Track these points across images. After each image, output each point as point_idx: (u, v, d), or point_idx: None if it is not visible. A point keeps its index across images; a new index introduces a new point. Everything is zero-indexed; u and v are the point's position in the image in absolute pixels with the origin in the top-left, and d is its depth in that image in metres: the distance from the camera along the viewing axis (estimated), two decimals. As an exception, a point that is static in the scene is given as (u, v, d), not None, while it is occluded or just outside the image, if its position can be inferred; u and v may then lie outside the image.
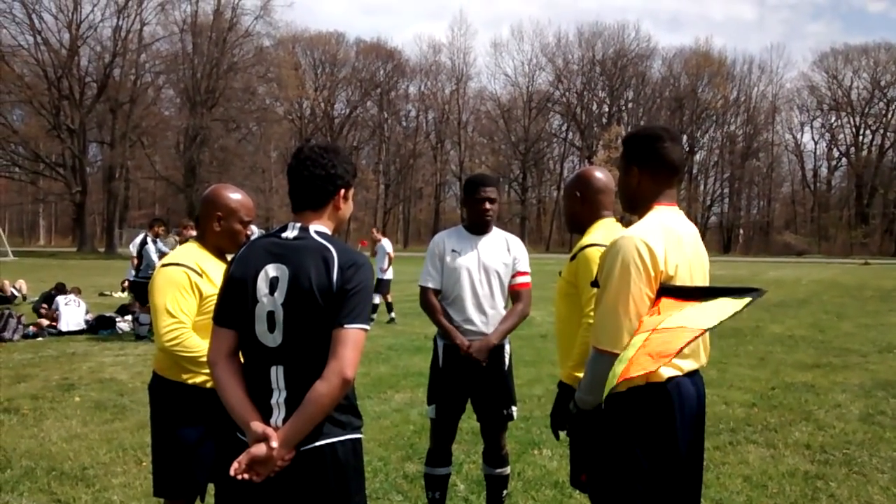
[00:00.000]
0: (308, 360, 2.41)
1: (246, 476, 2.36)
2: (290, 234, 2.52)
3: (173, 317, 3.21)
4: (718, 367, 9.38)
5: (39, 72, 56.46)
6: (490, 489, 4.44)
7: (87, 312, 13.43)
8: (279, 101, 68.65)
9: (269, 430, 2.38)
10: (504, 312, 4.31)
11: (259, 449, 2.36)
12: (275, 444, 2.35)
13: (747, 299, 2.49)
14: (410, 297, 13.89)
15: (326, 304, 2.38)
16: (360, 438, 2.55)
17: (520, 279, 4.33)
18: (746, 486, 5.23)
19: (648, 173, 2.71)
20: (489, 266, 4.23)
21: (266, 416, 2.44)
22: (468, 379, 4.20)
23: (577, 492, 5.00)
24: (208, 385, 3.26)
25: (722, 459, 5.77)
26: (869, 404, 7.70)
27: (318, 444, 2.42)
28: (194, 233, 3.67)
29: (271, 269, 2.45)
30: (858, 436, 6.51)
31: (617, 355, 2.46)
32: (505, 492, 4.44)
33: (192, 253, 3.37)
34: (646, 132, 2.80)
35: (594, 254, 3.19)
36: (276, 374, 2.45)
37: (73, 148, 57.23)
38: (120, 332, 12.96)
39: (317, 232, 2.51)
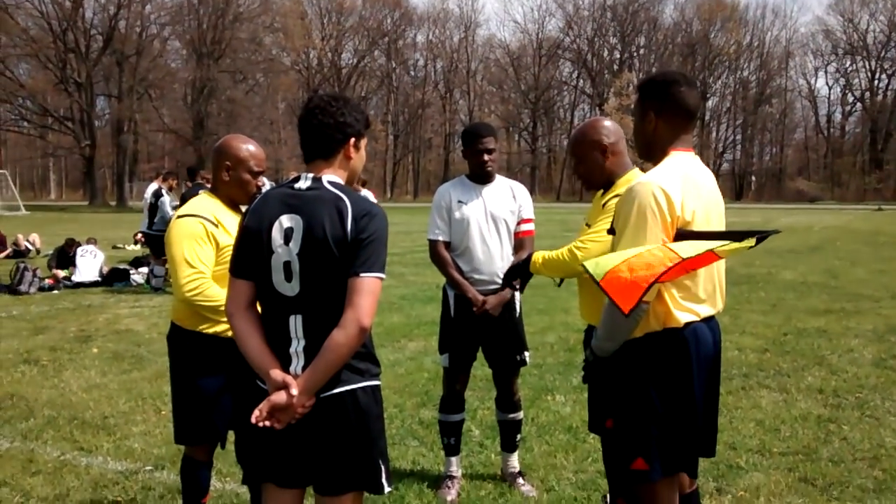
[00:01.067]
0: (326, 309, 2.42)
1: (267, 423, 2.39)
2: (304, 184, 2.51)
3: (192, 267, 3.22)
4: (731, 314, 9.39)
5: (44, 24, 56.10)
6: (504, 434, 4.48)
7: (103, 263, 13.49)
8: (286, 51, 68.12)
9: (289, 378, 2.40)
10: (510, 260, 4.26)
11: (279, 396, 2.38)
12: (295, 391, 2.37)
13: (751, 241, 2.47)
14: (421, 248, 13.90)
15: (341, 253, 2.38)
16: (378, 385, 2.56)
17: (524, 227, 4.32)
18: (759, 429, 5.28)
19: (665, 118, 2.68)
20: (496, 215, 4.21)
21: (285, 365, 2.46)
22: (480, 327, 4.22)
23: (591, 436, 5.06)
24: (227, 334, 3.29)
25: (735, 404, 5.81)
26: (882, 349, 7.71)
27: (337, 391, 2.44)
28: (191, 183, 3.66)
29: (285, 220, 2.45)
30: (871, 380, 6.54)
31: (643, 303, 2.45)
32: (518, 436, 4.48)
33: (206, 203, 3.37)
34: (662, 76, 2.77)
35: None
36: (295, 323, 2.46)
37: (81, 101, 57.11)
38: (134, 284, 13.03)
39: (330, 182, 2.50)
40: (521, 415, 4.48)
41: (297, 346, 2.47)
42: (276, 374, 2.42)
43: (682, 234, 2.51)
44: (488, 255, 4.20)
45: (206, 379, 3.31)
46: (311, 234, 2.40)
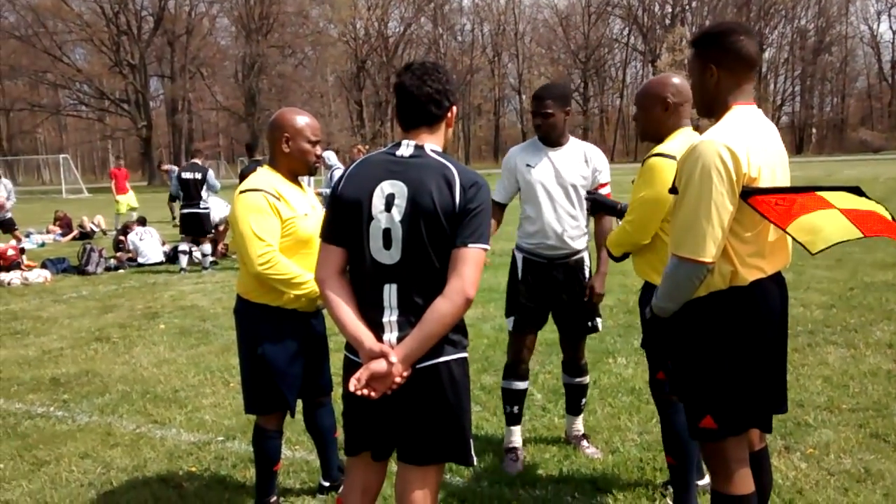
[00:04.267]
0: (423, 279, 2.41)
1: (364, 392, 2.39)
2: (406, 151, 2.49)
3: (262, 241, 3.25)
4: (795, 270, 9.19)
5: (97, 9, 57.09)
6: (569, 398, 4.47)
7: (162, 244, 13.78)
8: (333, 23, 67.93)
9: (386, 348, 2.40)
10: (585, 226, 4.20)
11: (378, 365, 2.37)
12: (394, 359, 2.37)
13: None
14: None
15: (449, 223, 2.37)
16: (467, 357, 2.57)
17: (602, 191, 4.17)
18: (827, 386, 5.19)
19: (726, 70, 2.58)
20: (566, 179, 4.08)
21: (378, 335, 2.45)
22: (548, 293, 4.16)
23: (655, 397, 5.04)
24: (291, 305, 3.37)
25: (801, 361, 5.72)
26: (954, 301, 7.48)
27: (433, 361, 2.44)
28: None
29: (387, 186, 2.42)
30: (943, 333, 6.36)
31: (700, 263, 2.43)
32: (584, 400, 4.48)
33: (267, 178, 3.40)
34: (719, 27, 2.68)
35: (657, 164, 3.15)
36: (390, 293, 2.45)
37: (136, 83, 58.15)
38: (196, 260, 13.29)
39: (433, 150, 2.48)
40: (587, 379, 4.45)
41: (389, 315, 2.46)
42: (373, 344, 2.42)
43: (750, 191, 2.45)
44: (557, 221, 4.08)
45: (273, 349, 3.37)
46: (417, 202, 2.38)
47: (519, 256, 4.23)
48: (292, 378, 3.44)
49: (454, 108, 2.57)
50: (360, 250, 2.47)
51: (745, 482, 2.63)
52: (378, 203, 2.42)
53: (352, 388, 2.39)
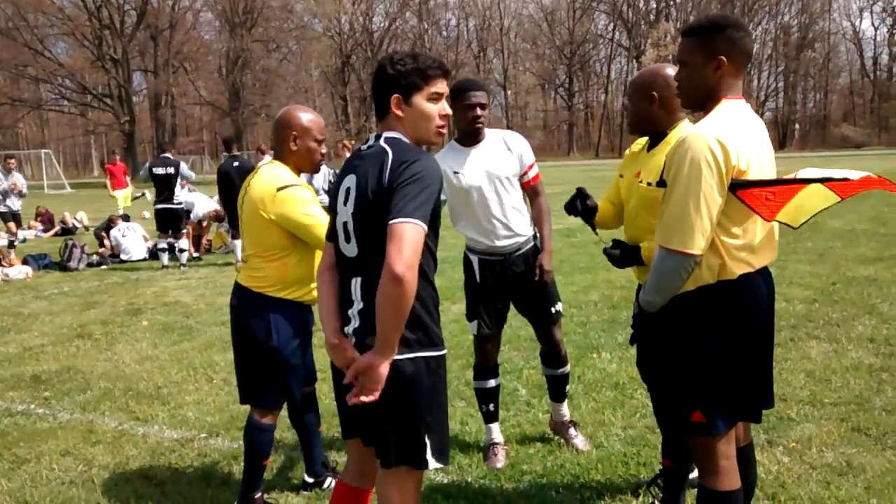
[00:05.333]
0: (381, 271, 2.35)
1: (356, 391, 2.38)
2: (369, 143, 2.51)
3: (325, 222, 3.13)
4: (778, 265, 9.24)
5: (79, 2, 56.64)
6: (553, 387, 4.43)
7: (145, 240, 13.67)
8: (317, 17, 67.76)
9: (335, 339, 2.47)
10: (526, 210, 4.12)
11: (361, 362, 2.35)
12: (342, 345, 2.45)
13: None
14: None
15: (380, 206, 2.31)
16: (434, 357, 2.45)
17: (531, 173, 4.11)
18: (810, 380, 5.22)
19: (732, 63, 2.56)
20: (498, 174, 3.96)
21: (344, 326, 2.52)
22: (507, 288, 4.12)
23: (639, 392, 5.07)
24: (298, 299, 3.46)
25: (784, 356, 5.74)
26: (935, 295, 7.55)
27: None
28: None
29: (347, 181, 2.48)
30: (924, 327, 6.41)
31: (688, 255, 2.43)
32: (567, 387, 4.45)
33: (289, 174, 3.46)
34: (727, 20, 2.60)
35: None
36: (356, 285, 2.47)
37: (119, 78, 57.73)
38: (178, 256, 13.19)
39: (386, 138, 2.45)
40: (567, 369, 4.41)
41: (355, 307, 2.47)
42: (330, 334, 2.49)
43: (739, 184, 2.46)
44: (500, 218, 3.98)
45: (287, 343, 3.44)
46: (359, 192, 2.41)
47: (474, 259, 4.13)
48: (300, 371, 3.54)
49: (396, 98, 2.45)
50: (337, 246, 2.55)
51: (732, 477, 2.64)
52: (341, 198, 2.49)
53: (345, 382, 2.42)
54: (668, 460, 3.45)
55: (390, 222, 2.24)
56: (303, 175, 3.64)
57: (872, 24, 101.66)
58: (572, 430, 4.38)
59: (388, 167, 2.34)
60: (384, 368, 2.32)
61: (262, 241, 3.44)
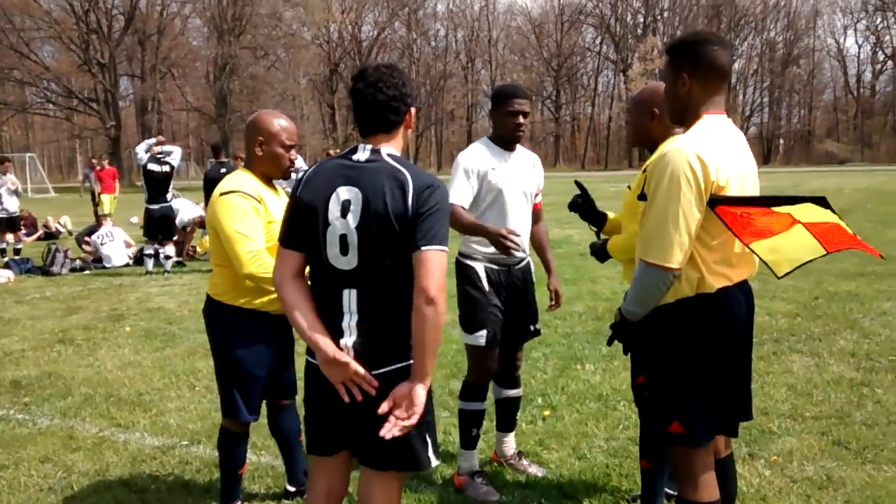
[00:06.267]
0: (381, 284, 2.42)
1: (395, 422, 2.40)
2: (362, 156, 2.47)
3: (251, 239, 3.19)
4: (760, 279, 9.23)
5: (66, 6, 56.30)
6: (503, 412, 4.25)
7: (127, 246, 13.51)
8: (306, 25, 67.69)
9: (339, 353, 2.41)
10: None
11: (401, 391, 2.40)
12: (347, 360, 2.40)
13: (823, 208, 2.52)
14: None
15: (402, 228, 2.36)
16: None
17: (539, 197, 4.16)
18: (791, 394, 5.25)
19: (699, 80, 2.60)
20: (524, 185, 3.96)
21: (336, 339, 2.45)
22: (510, 300, 3.99)
23: (621, 403, 5.08)
24: (267, 308, 3.34)
25: (766, 369, 5.78)
26: (915, 311, 7.62)
27: (386, 369, 2.44)
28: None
29: (343, 192, 2.42)
30: (905, 342, 6.47)
31: (666, 269, 2.45)
32: (518, 414, 4.35)
33: (246, 180, 3.36)
34: (694, 36, 2.69)
35: None
36: (349, 298, 2.45)
37: (105, 82, 57.44)
38: (163, 262, 13.10)
39: (389, 154, 2.47)
40: (521, 391, 4.27)
41: (349, 320, 2.45)
42: (328, 347, 2.42)
43: (717, 200, 2.48)
44: (518, 227, 3.90)
45: (245, 353, 3.35)
46: (371, 207, 2.38)
47: (478, 266, 3.91)
48: (259, 382, 3.42)
49: (412, 110, 2.55)
50: (317, 255, 2.47)
51: (710, 489, 2.65)
52: (334, 209, 2.42)
53: (381, 411, 2.40)
54: (647, 461, 3.48)
55: (422, 248, 2.34)
56: (284, 182, 3.56)
57: (856, 41, 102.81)
58: (524, 461, 4.24)
59: (412, 191, 2.38)
60: (424, 391, 2.40)
61: (214, 248, 3.40)
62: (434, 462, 2.55)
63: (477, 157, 3.86)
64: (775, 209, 2.51)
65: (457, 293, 4.00)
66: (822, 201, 2.51)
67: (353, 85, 2.52)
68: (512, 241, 3.55)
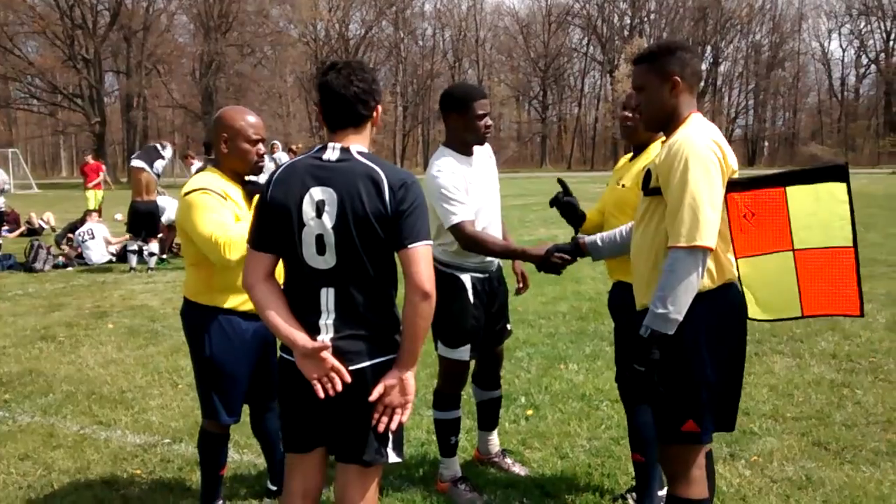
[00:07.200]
0: (359, 282, 2.44)
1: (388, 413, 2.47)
2: (332, 155, 2.47)
3: (224, 225, 3.12)
4: (743, 280, 9.36)
5: (51, 1, 55.83)
6: (487, 415, 4.22)
7: (108, 243, 13.37)
8: (293, 23, 67.51)
9: (318, 344, 2.40)
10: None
11: (392, 379, 2.44)
12: (326, 355, 2.40)
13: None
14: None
15: (382, 227, 2.39)
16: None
17: None
18: (772, 395, 5.29)
19: (687, 83, 2.68)
20: (493, 184, 3.85)
21: (312, 337, 2.45)
22: (492, 305, 3.91)
23: (604, 403, 5.10)
24: (242, 308, 3.29)
25: (747, 370, 5.72)
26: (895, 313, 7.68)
27: (359, 365, 2.45)
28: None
29: (317, 193, 2.41)
30: (885, 344, 6.53)
31: (706, 249, 2.49)
32: (501, 413, 4.35)
33: (210, 178, 3.31)
34: (677, 44, 2.75)
35: None
36: (327, 296, 2.46)
37: (90, 78, 57.04)
38: (147, 259, 13.00)
39: (359, 152, 2.47)
40: (500, 392, 4.25)
41: (326, 318, 2.46)
42: (306, 341, 2.42)
43: (732, 184, 2.62)
44: (498, 232, 3.84)
45: (222, 353, 3.31)
46: (347, 208, 2.38)
47: (465, 277, 3.77)
48: (239, 384, 3.39)
49: (379, 108, 2.56)
50: (294, 255, 2.47)
51: (702, 486, 2.71)
52: (308, 209, 2.41)
53: (371, 399, 2.44)
54: (639, 454, 3.51)
55: (409, 246, 2.40)
56: (256, 178, 3.48)
57: (840, 45, 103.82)
58: (508, 459, 4.23)
59: (388, 189, 2.39)
60: (414, 378, 2.47)
61: (186, 249, 3.38)
62: (393, 458, 2.56)
63: (457, 174, 3.63)
64: (789, 190, 2.60)
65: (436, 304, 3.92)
66: (840, 171, 2.57)
67: (322, 78, 2.50)
68: (559, 258, 3.38)
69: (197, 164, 12.81)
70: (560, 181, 3.78)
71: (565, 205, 3.66)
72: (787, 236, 2.63)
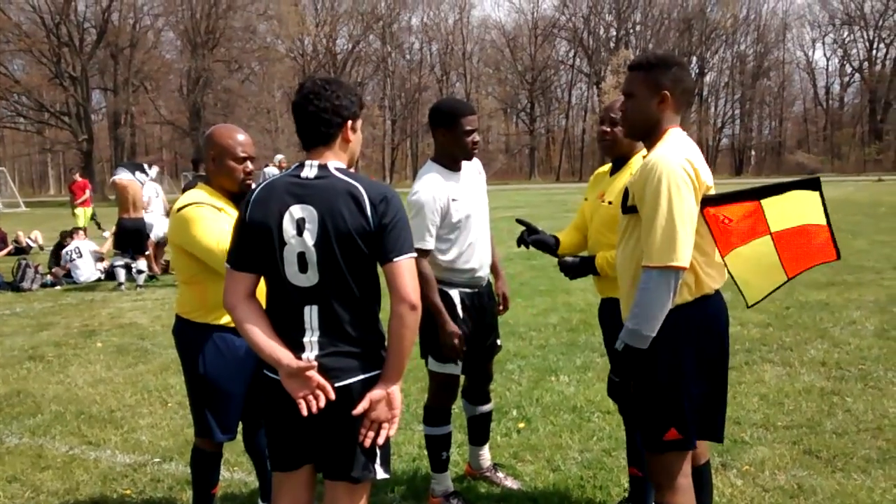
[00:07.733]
0: (343, 299, 2.44)
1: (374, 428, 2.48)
2: (310, 172, 2.47)
3: (223, 234, 3.08)
4: (732, 289, 9.35)
5: (37, 19, 55.74)
6: (477, 430, 4.20)
7: (97, 260, 13.29)
8: (280, 39, 67.68)
9: (303, 363, 2.39)
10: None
11: (378, 393, 2.45)
12: (312, 373, 2.39)
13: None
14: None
15: (366, 243, 2.39)
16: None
17: None
18: (763, 404, 5.30)
19: (675, 98, 2.71)
20: (482, 199, 3.86)
21: (297, 354, 2.44)
22: (481, 320, 3.90)
23: (595, 415, 5.10)
24: (228, 324, 3.24)
25: (738, 379, 5.83)
26: (884, 320, 7.73)
27: (345, 382, 2.44)
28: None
29: (297, 211, 2.41)
30: (874, 351, 6.56)
31: (679, 269, 2.51)
32: (492, 426, 4.35)
33: (200, 195, 3.32)
34: (673, 58, 2.78)
35: None
36: (310, 314, 2.45)
37: (77, 96, 56.90)
38: (135, 276, 12.91)
39: (337, 169, 2.47)
40: (492, 406, 4.25)
41: (310, 336, 2.46)
42: (290, 360, 2.41)
43: (707, 200, 2.64)
44: (487, 247, 3.85)
45: (216, 371, 3.30)
46: (329, 225, 2.38)
47: (454, 293, 3.76)
48: (234, 401, 3.38)
49: (350, 123, 2.53)
50: (276, 274, 2.46)
51: (688, 495, 2.71)
52: (289, 228, 2.41)
53: (356, 413, 2.43)
54: (636, 468, 3.52)
55: (395, 260, 2.40)
56: None
57: (825, 54, 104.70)
58: (500, 473, 4.21)
59: (368, 204, 2.40)
60: (400, 392, 2.48)
61: (177, 265, 3.37)
62: (381, 475, 2.56)
63: (438, 191, 3.63)
64: (763, 202, 2.65)
65: (426, 319, 3.82)
66: (814, 183, 2.61)
67: (293, 99, 2.55)
68: (457, 351, 3.63)
69: (153, 170, 12.99)
70: (519, 220, 3.81)
71: (535, 243, 3.69)
72: (763, 225, 2.69)
